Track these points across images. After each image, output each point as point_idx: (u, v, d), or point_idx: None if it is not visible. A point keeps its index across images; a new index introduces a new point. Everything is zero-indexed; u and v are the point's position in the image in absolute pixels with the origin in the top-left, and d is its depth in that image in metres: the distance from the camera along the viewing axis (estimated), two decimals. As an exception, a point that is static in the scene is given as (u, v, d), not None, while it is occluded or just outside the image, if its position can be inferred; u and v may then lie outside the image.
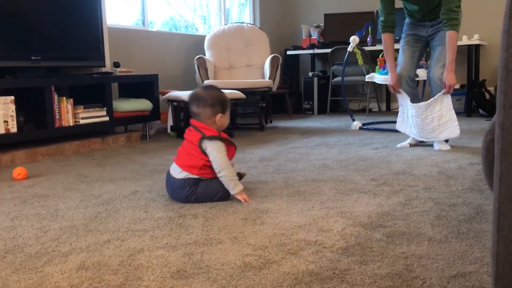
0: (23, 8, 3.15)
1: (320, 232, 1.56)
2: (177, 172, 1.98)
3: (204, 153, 1.94)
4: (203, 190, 1.94)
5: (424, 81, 4.34)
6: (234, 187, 1.93)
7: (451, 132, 2.94)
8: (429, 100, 2.99)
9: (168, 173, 2.03)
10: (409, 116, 3.12)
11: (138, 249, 1.46)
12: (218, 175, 1.94)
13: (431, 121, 2.98)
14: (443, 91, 2.93)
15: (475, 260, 1.31)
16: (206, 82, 4.44)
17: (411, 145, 3.21)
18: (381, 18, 3.17)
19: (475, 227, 1.57)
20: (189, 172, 1.95)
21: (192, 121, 2.03)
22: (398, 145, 3.23)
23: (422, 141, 3.20)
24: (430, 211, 1.76)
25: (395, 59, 3.18)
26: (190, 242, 1.51)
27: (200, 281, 1.23)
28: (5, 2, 3.05)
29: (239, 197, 1.94)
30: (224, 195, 1.96)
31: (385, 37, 3.20)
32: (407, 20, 3.27)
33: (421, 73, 3.90)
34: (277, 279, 1.23)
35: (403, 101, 3.16)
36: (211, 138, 1.94)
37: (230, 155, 2.02)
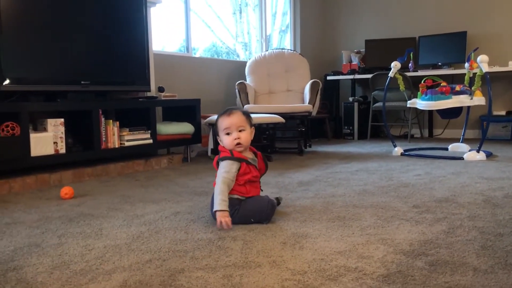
0: (74, 35, 3.31)
1: (361, 258, 1.54)
2: None
3: None
4: (244, 210, 1.97)
5: (468, 107, 4.25)
6: (216, 205, 1.92)
7: None
8: None
9: (213, 196, 2.08)
10: None
11: (179, 269, 1.48)
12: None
13: None
14: None
15: (524, 292, 1.26)
16: (246, 106, 4.50)
17: None
18: None
19: (523, 259, 1.51)
20: (229, 192, 1.98)
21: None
22: None
23: None
24: (475, 240, 1.70)
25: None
26: (229, 264, 1.52)
27: (239, 303, 1.23)
28: (58, 31, 3.22)
29: (217, 217, 1.89)
30: (264, 215, 1.98)
31: None
32: None
33: (465, 100, 3.82)
34: (316, 304, 1.22)
35: None
36: (222, 159, 2.02)
37: (251, 175, 2.04)
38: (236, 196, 2.00)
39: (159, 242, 1.77)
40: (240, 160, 2.01)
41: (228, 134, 2.03)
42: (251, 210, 1.97)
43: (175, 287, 1.34)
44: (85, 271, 1.48)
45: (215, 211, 1.92)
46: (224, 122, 2.04)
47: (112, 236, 1.87)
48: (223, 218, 1.88)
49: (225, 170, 1.97)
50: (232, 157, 2.00)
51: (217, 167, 2.03)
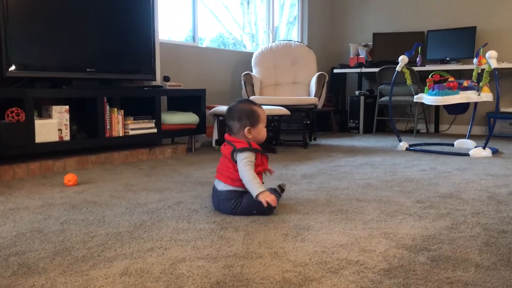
0: (80, 23, 3.31)
1: (362, 252, 1.54)
2: (222, 185, 2.02)
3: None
4: (247, 202, 1.96)
5: (475, 103, 4.21)
6: (254, 190, 1.92)
7: None
8: None
9: (214, 187, 2.08)
10: None
11: (180, 258, 1.48)
12: (243, 183, 1.96)
13: None
14: None
15: (526, 290, 1.25)
16: (252, 98, 4.48)
17: None
18: None
19: (526, 256, 1.50)
20: (231, 184, 1.99)
21: (226, 136, 2.08)
22: None
23: None
24: (478, 237, 1.69)
25: None
26: (230, 254, 1.52)
27: (239, 293, 1.23)
28: (65, 18, 3.21)
29: (261, 199, 1.91)
30: (267, 208, 1.96)
31: None
32: None
33: (472, 95, 3.79)
34: (317, 296, 1.21)
35: None
36: (241, 150, 1.97)
37: (262, 167, 2.05)
38: (240, 189, 1.99)
39: (161, 231, 1.77)
40: (257, 150, 2.02)
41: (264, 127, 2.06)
42: (254, 202, 1.95)
43: (176, 275, 1.34)
44: (87, 258, 1.49)
45: (258, 194, 1.91)
46: (264, 115, 2.06)
47: (114, 223, 1.88)
48: (268, 197, 1.91)
49: (249, 159, 1.96)
50: (251, 148, 2.00)
51: (232, 157, 1.99)
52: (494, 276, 1.33)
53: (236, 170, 1.98)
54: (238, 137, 2.04)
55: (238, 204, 1.96)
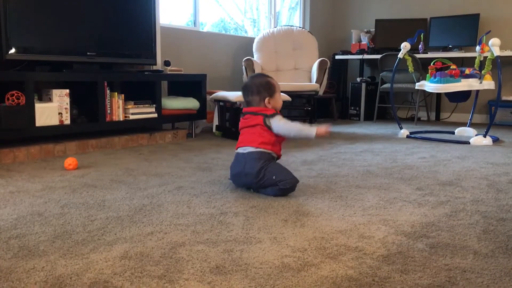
0: (81, 6, 3.28)
1: (361, 238, 1.54)
2: (251, 148, 2.10)
3: (270, 130, 2.09)
4: (275, 166, 2.07)
5: (477, 91, 4.19)
6: (309, 131, 2.08)
7: None
8: None
9: (238, 154, 2.15)
10: None
11: (180, 242, 1.49)
12: (291, 136, 2.09)
13: None
14: None
15: (523, 277, 1.25)
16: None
17: None
18: None
19: (525, 244, 1.50)
20: (264, 148, 2.09)
21: (245, 109, 2.18)
22: None
23: None
24: (476, 224, 1.70)
25: None
26: (230, 239, 1.52)
27: (238, 278, 1.24)
28: (66, 2, 3.19)
29: (322, 133, 2.08)
30: (286, 179, 2.04)
31: None
32: None
33: (474, 83, 3.78)
34: (315, 282, 1.22)
35: None
36: (273, 115, 2.11)
37: (282, 138, 2.16)
38: (271, 153, 2.11)
39: (161, 215, 1.78)
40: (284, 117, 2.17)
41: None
42: (278, 169, 2.06)
43: (176, 259, 1.35)
44: (87, 241, 1.49)
45: (317, 134, 2.07)
46: (278, 84, 2.20)
47: (114, 207, 1.88)
48: (323, 129, 2.09)
49: (286, 120, 2.11)
50: (278, 113, 2.15)
51: (265, 124, 2.09)
52: (492, 264, 1.34)
53: (272, 136, 2.10)
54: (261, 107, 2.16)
55: (266, 165, 2.05)
